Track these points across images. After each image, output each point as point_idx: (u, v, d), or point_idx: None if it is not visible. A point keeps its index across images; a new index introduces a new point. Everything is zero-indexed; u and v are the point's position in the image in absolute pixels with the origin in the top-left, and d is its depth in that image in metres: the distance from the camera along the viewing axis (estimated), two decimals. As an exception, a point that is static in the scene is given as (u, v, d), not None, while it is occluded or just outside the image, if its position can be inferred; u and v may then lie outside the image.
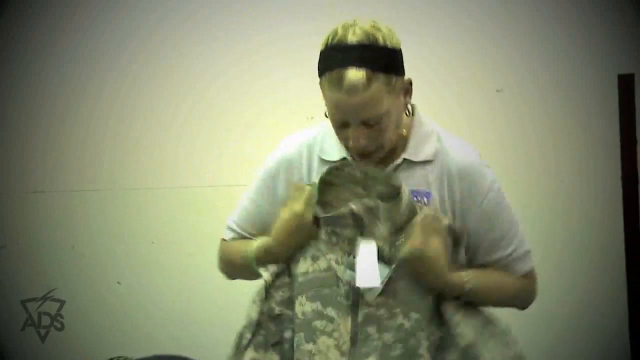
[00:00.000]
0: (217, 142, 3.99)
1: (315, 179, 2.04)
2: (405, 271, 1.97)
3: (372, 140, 1.98)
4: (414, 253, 1.94)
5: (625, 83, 3.80)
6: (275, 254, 2.07)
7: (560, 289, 3.76)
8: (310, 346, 2.00)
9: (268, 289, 2.06)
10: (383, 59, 1.94)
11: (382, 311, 1.98)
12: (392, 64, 1.96)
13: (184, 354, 3.76)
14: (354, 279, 1.95)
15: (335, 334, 1.98)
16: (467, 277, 2.02)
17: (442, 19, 3.94)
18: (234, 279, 2.27)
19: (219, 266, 2.28)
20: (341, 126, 2.00)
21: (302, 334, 2.01)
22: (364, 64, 1.92)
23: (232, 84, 3.99)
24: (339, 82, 1.92)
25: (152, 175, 4.03)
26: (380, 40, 1.95)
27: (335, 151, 2.09)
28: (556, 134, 3.88)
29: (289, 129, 2.33)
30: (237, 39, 4.00)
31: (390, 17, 4.00)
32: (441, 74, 3.92)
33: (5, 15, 4.04)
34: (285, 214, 2.03)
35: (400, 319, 1.97)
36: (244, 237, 2.21)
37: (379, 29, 1.97)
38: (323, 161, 2.11)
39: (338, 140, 2.07)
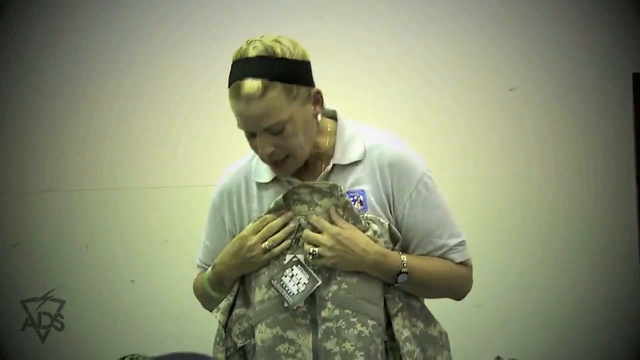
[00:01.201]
0: (230, 140, 3.98)
1: (258, 206, 2.17)
2: (338, 270, 2.07)
3: (280, 148, 2.05)
4: (323, 253, 2.06)
5: (640, 82, 3.79)
6: (220, 275, 2.18)
7: (561, 289, 3.78)
8: None
9: (224, 327, 2.16)
10: (281, 70, 2.02)
11: (340, 323, 2.05)
12: (291, 74, 2.03)
13: (198, 351, 3.75)
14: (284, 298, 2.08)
15: (299, 355, 2.06)
16: (405, 257, 2.09)
17: (454, 17, 3.92)
18: (207, 308, 2.33)
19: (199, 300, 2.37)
20: (250, 136, 2.09)
21: None
22: (260, 75, 2.00)
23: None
24: (237, 93, 2.02)
25: (167, 174, 4.05)
26: (279, 52, 2.03)
27: (266, 172, 2.16)
28: (570, 134, 3.86)
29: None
30: (237, 38, 3.96)
31: (394, 17, 4.05)
32: (455, 72, 3.92)
33: (5, 15, 4.06)
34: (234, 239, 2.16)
35: (359, 327, 2.05)
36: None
37: (279, 42, 2.04)
38: (259, 184, 2.18)
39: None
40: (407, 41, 3.92)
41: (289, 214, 2.09)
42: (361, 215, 2.07)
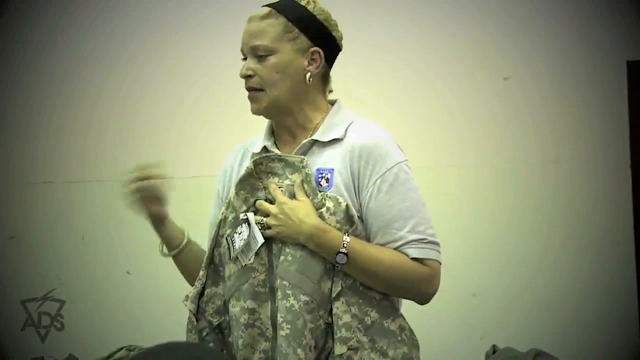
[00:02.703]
0: (224, 132, 4.00)
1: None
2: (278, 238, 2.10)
3: (257, 77, 2.14)
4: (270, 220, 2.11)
5: (634, 70, 3.77)
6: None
7: (558, 277, 3.77)
8: (240, 341, 2.12)
9: (196, 312, 2.20)
10: (294, 12, 2.14)
11: (278, 293, 2.09)
12: (301, 20, 2.14)
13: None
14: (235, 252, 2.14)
15: (257, 323, 2.11)
16: (348, 238, 2.07)
17: (448, 7, 3.94)
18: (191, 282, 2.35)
19: None
20: (244, 61, 2.18)
21: (235, 333, 2.14)
22: (274, 7, 2.16)
23: (235, 77, 3.98)
24: (249, 17, 2.17)
25: (163, 165, 4.06)
26: (304, 3, 2.16)
27: (259, 142, 2.22)
28: (564, 122, 3.86)
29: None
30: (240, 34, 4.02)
31: (387, 7, 4.07)
32: (449, 61, 3.92)
33: (5, 15, 4.09)
34: None
35: (291, 300, 2.06)
36: None
37: (314, 1, 2.17)
38: (252, 155, 2.23)
39: (266, 132, 2.23)
40: (401, 31, 3.94)
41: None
42: (322, 192, 2.09)
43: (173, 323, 3.92)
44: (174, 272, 3.92)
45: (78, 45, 4.11)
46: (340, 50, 2.21)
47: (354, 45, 4.10)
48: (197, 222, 3.88)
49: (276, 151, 2.17)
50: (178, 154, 4.05)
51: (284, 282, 2.07)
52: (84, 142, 4.10)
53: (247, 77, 2.16)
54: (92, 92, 4.10)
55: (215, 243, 2.19)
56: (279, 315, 2.06)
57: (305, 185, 2.10)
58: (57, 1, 4.12)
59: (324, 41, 2.16)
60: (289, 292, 2.06)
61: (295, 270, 2.06)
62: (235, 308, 2.12)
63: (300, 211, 2.07)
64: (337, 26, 2.20)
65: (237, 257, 2.12)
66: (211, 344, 2.17)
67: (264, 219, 2.10)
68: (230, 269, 2.14)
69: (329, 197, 2.08)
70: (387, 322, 2.09)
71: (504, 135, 3.87)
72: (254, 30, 2.13)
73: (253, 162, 2.14)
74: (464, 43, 3.90)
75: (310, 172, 2.10)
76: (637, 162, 3.71)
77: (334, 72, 2.22)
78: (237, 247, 2.11)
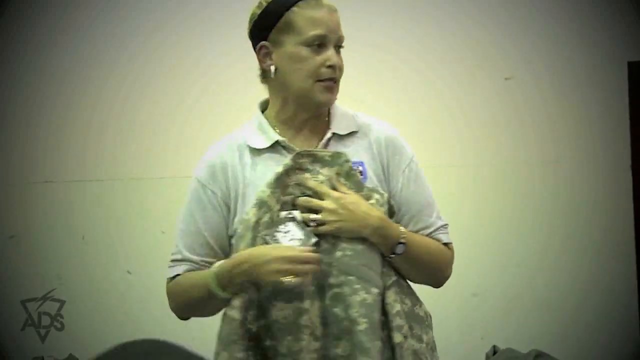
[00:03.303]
0: (222, 133, 3.99)
1: (251, 173, 2.12)
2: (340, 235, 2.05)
3: (339, 67, 2.12)
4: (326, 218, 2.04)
5: (635, 70, 3.78)
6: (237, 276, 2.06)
7: (559, 278, 3.79)
8: (289, 343, 2.05)
9: (242, 322, 2.06)
10: None
11: (344, 289, 2.04)
12: None
13: (192, 343, 3.74)
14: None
15: (308, 323, 2.05)
16: (403, 229, 2.10)
17: (451, 6, 3.94)
18: (187, 316, 2.26)
19: (171, 306, 2.26)
20: (316, 49, 2.10)
21: (281, 336, 2.05)
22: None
23: (235, 76, 3.99)
24: (318, 3, 2.12)
25: (164, 165, 4.06)
26: None
27: (262, 139, 2.14)
28: (565, 123, 3.87)
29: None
30: (241, 36, 4.00)
31: (388, 7, 4.07)
32: (450, 61, 3.92)
33: (5, 15, 4.09)
34: (273, 251, 2.03)
35: (362, 294, 2.04)
36: (196, 265, 2.16)
37: None
38: (253, 150, 2.14)
39: (265, 127, 2.15)
40: (401, 30, 3.95)
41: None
42: (366, 186, 2.09)
43: (173, 323, 3.96)
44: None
45: (78, 45, 4.10)
46: None
47: (354, 45, 4.12)
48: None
49: (292, 146, 2.11)
50: (178, 154, 4.04)
51: (350, 278, 2.03)
52: (84, 141, 4.09)
53: (333, 68, 2.10)
54: (92, 92, 4.10)
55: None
56: (352, 311, 2.02)
57: (343, 180, 2.08)
58: (57, 1, 4.12)
59: None
60: (357, 286, 2.03)
61: (360, 264, 2.05)
62: (284, 311, 2.04)
63: (362, 204, 2.05)
64: None
65: None
66: (249, 352, 2.06)
67: (318, 215, 2.03)
68: None
69: (372, 189, 2.09)
70: (417, 309, 2.13)
71: (504, 135, 3.88)
72: (338, 20, 2.13)
73: (292, 158, 2.07)
74: (464, 43, 3.91)
75: (351, 166, 2.08)
76: (638, 163, 3.73)
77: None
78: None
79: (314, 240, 2.02)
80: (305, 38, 2.09)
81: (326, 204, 2.04)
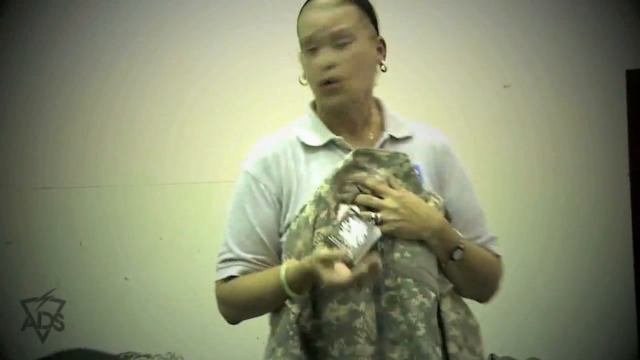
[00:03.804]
0: (222, 139, 4.01)
1: (305, 169, 2.06)
2: (399, 235, 1.99)
3: (340, 66, 2.02)
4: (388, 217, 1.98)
5: (633, 78, 3.80)
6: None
7: (558, 286, 3.81)
8: (342, 346, 1.97)
9: (298, 320, 2.00)
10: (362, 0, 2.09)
11: (402, 292, 1.97)
12: (368, 8, 2.10)
13: (191, 348, 3.79)
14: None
15: (365, 326, 1.97)
16: (461, 235, 2.04)
17: (450, 14, 3.95)
18: (241, 320, 2.15)
19: (224, 310, 2.13)
20: (310, 52, 2.05)
21: (336, 338, 1.97)
22: None
23: (235, 81, 4.01)
24: (312, 4, 2.06)
25: (161, 171, 4.05)
26: None
27: (317, 136, 2.08)
28: (563, 130, 3.88)
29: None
30: (241, 36, 4.02)
31: (388, 13, 4.05)
32: (449, 68, 3.93)
33: (5, 15, 4.07)
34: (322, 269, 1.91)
35: (420, 298, 1.97)
36: (249, 263, 2.08)
37: None
38: (307, 147, 2.08)
39: (319, 125, 2.09)
40: (401, 38, 3.93)
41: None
42: (425, 190, 2.04)
43: (170, 329, 3.96)
44: (172, 277, 3.95)
45: (78, 45, 4.08)
46: None
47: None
48: (196, 228, 3.93)
49: (348, 144, 2.05)
50: (176, 161, 4.05)
51: (408, 280, 1.96)
52: (83, 147, 4.08)
53: (327, 69, 2.03)
54: (90, 96, 4.08)
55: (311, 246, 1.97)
56: (410, 315, 1.95)
57: (400, 181, 2.02)
58: (57, 2, 4.09)
59: (378, 31, 2.12)
60: (415, 289, 1.96)
61: (418, 266, 1.98)
62: (338, 312, 1.95)
63: (423, 205, 1.99)
64: None
65: (355, 257, 1.90)
66: (302, 351, 1.98)
67: (378, 214, 1.97)
68: None
69: (431, 194, 2.05)
70: (470, 319, 2.08)
71: (503, 140, 3.90)
72: (333, 16, 2.03)
73: (352, 155, 2.01)
74: (464, 50, 3.92)
75: (411, 166, 2.03)
76: (636, 170, 3.76)
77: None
78: (353, 245, 1.90)
79: (378, 234, 1.93)
80: (301, 44, 2.08)
81: (387, 202, 1.97)
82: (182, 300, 3.92)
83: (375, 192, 2.00)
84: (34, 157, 4.09)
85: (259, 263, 2.06)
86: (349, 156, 2.01)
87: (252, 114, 3.94)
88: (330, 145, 2.06)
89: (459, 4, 3.93)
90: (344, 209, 1.97)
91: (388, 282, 1.97)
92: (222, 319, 2.11)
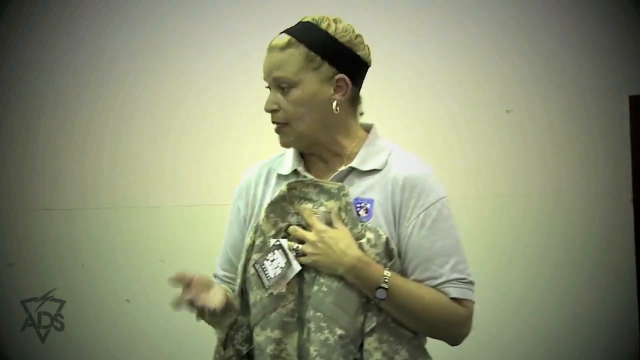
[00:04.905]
0: (224, 162, 4.01)
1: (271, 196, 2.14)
2: (316, 268, 2.03)
3: (282, 111, 2.07)
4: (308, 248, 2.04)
5: (636, 104, 3.81)
6: None
7: (558, 310, 3.83)
8: None
9: (224, 341, 2.12)
10: (314, 38, 2.06)
11: (311, 325, 2.02)
12: (322, 47, 2.06)
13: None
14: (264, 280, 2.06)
15: (283, 354, 2.04)
16: (389, 273, 2.01)
17: (453, 39, 3.94)
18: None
19: None
20: (269, 88, 2.12)
21: None
22: (292, 33, 2.08)
23: (237, 103, 4.01)
24: (269, 45, 2.10)
25: (163, 193, 4.06)
26: (323, 26, 2.08)
27: (288, 164, 2.15)
28: (566, 156, 3.89)
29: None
30: (237, 54, 4.01)
31: (390, 39, 4.04)
32: (452, 93, 3.93)
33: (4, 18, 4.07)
34: None
35: (326, 333, 2.00)
36: (220, 280, 2.24)
37: (333, 21, 2.09)
38: (279, 176, 2.17)
39: (294, 155, 2.16)
40: (403, 63, 3.95)
41: None
42: (361, 223, 2.03)
43: (171, 351, 3.95)
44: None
45: (75, 65, 4.09)
46: (369, 67, 2.14)
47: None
48: (197, 250, 3.92)
49: (310, 176, 2.10)
50: (177, 183, 4.06)
51: (318, 314, 2.00)
52: (83, 169, 4.09)
53: (272, 111, 2.09)
54: (90, 113, 4.08)
55: (244, 269, 2.10)
56: (311, 348, 1.99)
57: (344, 214, 2.03)
58: (47, 19, 4.09)
59: (350, 64, 2.08)
60: (323, 324, 1.99)
61: (331, 302, 1.99)
62: (259, 337, 2.05)
63: (342, 241, 2.00)
64: (362, 43, 2.11)
65: (270, 286, 2.03)
66: None
67: (299, 246, 2.03)
68: (256, 296, 2.07)
69: (370, 229, 2.02)
70: None
71: (504, 167, 3.89)
72: (275, 61, 2.06)
73: (287, 185, 2.07)
74: (467, 75, 3.92)
75: (350, 200, 2.04)
76: (639, 197, 3.77)
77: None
78: (270, 275, 2.04)
79: (296, 269, 2.01)
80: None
81: (309, 235, 2.02)
82: (182, 322, 3.92)
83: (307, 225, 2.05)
84: (34, 179, 4.09)
85: (229, 280, 2.21)
86: (284, 187, 2.08)
87: (253, 137, 3.91)
88: (296, 174, 2.12)
89: (461, 29, 3.93)
90: (272, 239, 2.06)
91: (306, 314, 2.03)
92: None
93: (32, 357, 4.01)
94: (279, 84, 2.06)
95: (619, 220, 3.80)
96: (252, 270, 2.07)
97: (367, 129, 2.16)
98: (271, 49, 2.08)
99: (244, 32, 4.01)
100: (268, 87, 2.11)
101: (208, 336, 2.24)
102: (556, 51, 3.89)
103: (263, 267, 2.05)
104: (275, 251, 2.05)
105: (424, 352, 2.08)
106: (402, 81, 3.95)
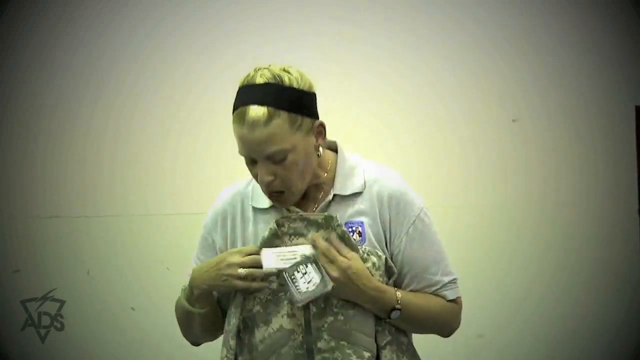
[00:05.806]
0: (232, 168, 3.97)
1: (253, 229, 2.14)
2: (338, 295, 2.05)
3: (279, 179, 2.05)
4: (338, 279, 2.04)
5: (642, 115, 3.82)
6: (192, 282, 2.14)
7: (564, 319, 3.85)
8: None
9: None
10: (287, 98, 2.02)
11: (336, 354, 2.06)
12: (297, 104, 2.04)
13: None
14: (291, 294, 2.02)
15: None
16: (399, 294, 2.09)
17: (458, 50, 3.94)
18: (192, 340, 2.32)
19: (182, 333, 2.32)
20: (250, 163, 2.08)
21: None
22: (266, 102, 2.01)
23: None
24: (241, 118, 2.01)
25: (169, 201, 4.06)
26: (287, 81, 2.03)
27: (264, 198, 2.14)
28: (572, 166, 3.90)
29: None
30: (235, 63, 3.97)
31: (394, 50, 4.02)
32: (458, 103, 3.94)
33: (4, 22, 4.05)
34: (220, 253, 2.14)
35: (354, 359, 2.05)
36: None
37: (287, 72, 2.05)
38: (255, 209, 2.16)
39: None
40: (409, 73, 3.93)
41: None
42: (360, 247, 2.07)
43: (180, 355, 3.95)
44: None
45: (74, 65, 4.08)
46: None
47: (356, 83, 4.08)
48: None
49: (295, 209, 2.11)
50: (183, 191, 4.06)
51: (342, 342, 2.05)
52: (90, 177, 4.09)
53: (268, 183, 2.06)
54: (95, 121, 4.08)
55: (242, 308, 2.11)
56: None
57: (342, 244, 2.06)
58: (47, 19, 4.07)
59: (315, 106, 2.09)
60: (349, 351, 2.05)
61: (352, 328, 2.06)
62: None
63: (362, 276, 2.03)
64: (308, 77, 2.10)
65: (300, 300, 1.99)
66: None
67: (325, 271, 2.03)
68: (262, 333, 2.08)
69: (370, 252, 2.08)
70: None
71: (510, 176, 3.91)
72: (263, 137, 2.00)
73: (275, 223, 2.08)
74: (473, 85, 3.92)
75: (345, 229, 2.07)
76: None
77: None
78: (301, 288, 1.99)
79: (329, 289, 2.00)
80: (239, 149, 2.07)
81: (333, 271, 2.02)
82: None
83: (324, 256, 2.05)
84: (42, 186, 4.09)
85: None
86: (272, 225, 2.08)
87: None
88: (275, 207, 2.13)
89: (467, 38, 3.93)
90: (305, 250, 2.04)
91: (321, 345, 2.06)
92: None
93: (32, 357, 4.02)
94: (272, 158, 2.03)
95: (626, 230, 3.83)
96: (257, 307, 2.08)
97: (332, 147, 2.18)
98: (252, 125, 2.00)
99: (244, 32, 3.99)
100: (252, 160, 2.06)
101: (213, 346, 2.25)
102: (563, 61, 3.92)
103: (293, 278, 2.01)
104: (308, 264, 2.02)
105: (417, 356, 2.19)
106: (408, 93, 3.97)
